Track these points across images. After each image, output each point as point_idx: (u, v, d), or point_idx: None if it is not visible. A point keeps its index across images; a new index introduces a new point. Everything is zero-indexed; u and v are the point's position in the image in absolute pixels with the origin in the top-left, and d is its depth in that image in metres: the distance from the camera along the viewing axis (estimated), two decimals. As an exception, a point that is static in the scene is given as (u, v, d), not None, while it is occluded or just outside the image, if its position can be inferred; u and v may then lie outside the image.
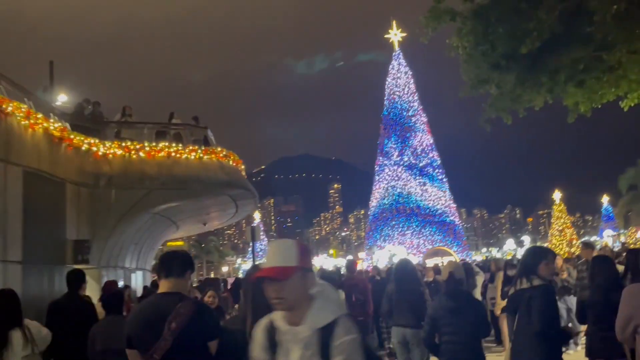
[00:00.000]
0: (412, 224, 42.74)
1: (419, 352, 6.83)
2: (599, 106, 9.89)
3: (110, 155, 13.71)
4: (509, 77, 9.34)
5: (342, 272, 13.48)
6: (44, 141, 11.44)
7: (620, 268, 6.50)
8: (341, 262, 50.69)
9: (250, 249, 32.28)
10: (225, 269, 74.56)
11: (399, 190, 43.69)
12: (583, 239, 35.55)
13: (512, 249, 60.54)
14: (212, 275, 55.80)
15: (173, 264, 3.46)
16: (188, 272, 3.51)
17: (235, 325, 3.36)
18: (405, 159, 44.16)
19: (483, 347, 5.52)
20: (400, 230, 42.84)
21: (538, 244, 49.08)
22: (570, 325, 8.99)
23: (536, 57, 8.74)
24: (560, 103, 10.08)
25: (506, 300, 9.12)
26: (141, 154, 14.08)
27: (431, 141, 45.43)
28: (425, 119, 45.71)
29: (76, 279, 6.43)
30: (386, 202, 44.18)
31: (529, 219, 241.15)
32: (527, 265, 4.74)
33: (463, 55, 9.34)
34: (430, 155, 44.81)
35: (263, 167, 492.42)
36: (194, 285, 13.58)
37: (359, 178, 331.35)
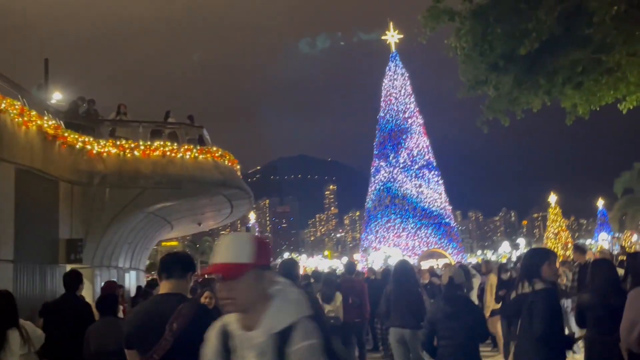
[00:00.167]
0: (407, 226, 42.72)
1: (418, 353, 6.81)
2: (597, 108, 9.86)
3: (105, 154, 13.59)
4: (507, 79, 9.32)
5: (337, 273, 13.40)
6: (38, 139, 11.32)
7: (620, 272, 6.44)
8: (336, 264, 50.68)
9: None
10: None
11: (394, 191, 43.70)
12: (576, 242, 35.55)
13: (507, 251, 60.58)
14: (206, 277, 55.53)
15: (174, 265, 3.49)
16: (189, 273, 3.52)
17: None
18: (401, 160, 44.16)
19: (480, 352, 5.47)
20: (395, 231, 42.80)
21: (534, 246, 49.06)
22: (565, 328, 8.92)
23: (534, 58, 8.72)
24: (557, 105, 10.05)
25: (500, 303, 9.16)
26: (136, 152, 13.97)
27: (427, 143, 45.43)
28: (421, 121, 45.69)
29: (74, 280, 6.44)
30: (382, 204, 44.17)
31: (524, 222, 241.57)
32: (529, 267, 4.60)
33: (461, 56, 9.32)
34: (426, 157, 44.81)
35: (259, 167, 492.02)
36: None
37: (354, 179, 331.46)
